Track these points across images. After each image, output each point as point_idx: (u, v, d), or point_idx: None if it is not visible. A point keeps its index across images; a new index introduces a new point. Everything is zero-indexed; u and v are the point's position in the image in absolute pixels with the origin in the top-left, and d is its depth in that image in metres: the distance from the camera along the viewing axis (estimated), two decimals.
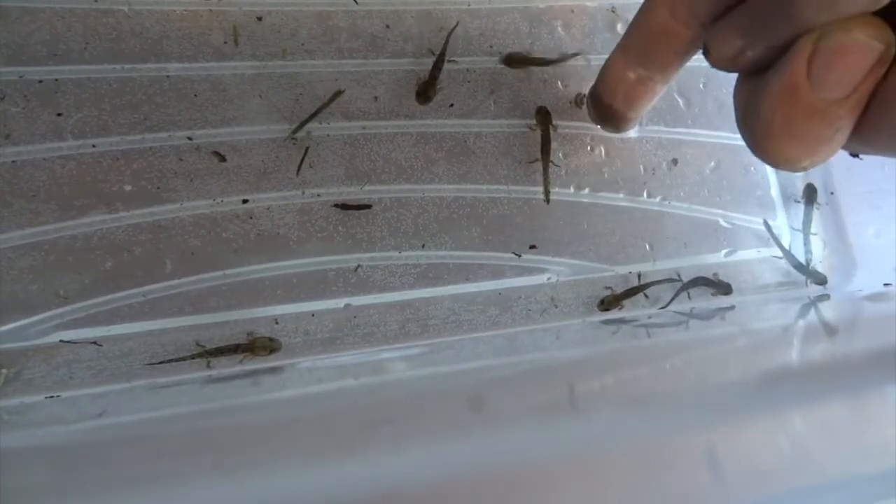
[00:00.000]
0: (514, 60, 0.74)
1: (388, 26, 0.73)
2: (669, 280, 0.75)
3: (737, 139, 0.82)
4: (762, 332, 0.67)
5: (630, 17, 0.80)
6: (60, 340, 0.59)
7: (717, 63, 0.49)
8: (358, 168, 0.70)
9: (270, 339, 0.63)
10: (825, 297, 0.76)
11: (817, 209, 0.82)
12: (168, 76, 0.66)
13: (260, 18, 0.69)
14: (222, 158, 0.66)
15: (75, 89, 0.63)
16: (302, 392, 0.60)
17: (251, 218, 0.66)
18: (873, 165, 0.82)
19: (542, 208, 0.73)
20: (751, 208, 0.81)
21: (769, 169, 0.84)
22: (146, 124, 0.65)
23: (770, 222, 0.81)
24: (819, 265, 0.82)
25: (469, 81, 0.74)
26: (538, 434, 0.34)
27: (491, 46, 0.75)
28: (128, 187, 0.63)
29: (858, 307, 0.75)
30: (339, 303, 0.67)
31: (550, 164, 0.73)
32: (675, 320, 0.71)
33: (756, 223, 0.80)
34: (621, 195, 0.77)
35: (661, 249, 0.77)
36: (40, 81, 0.62)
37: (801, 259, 0.80)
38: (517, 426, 0.36)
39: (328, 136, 0.69)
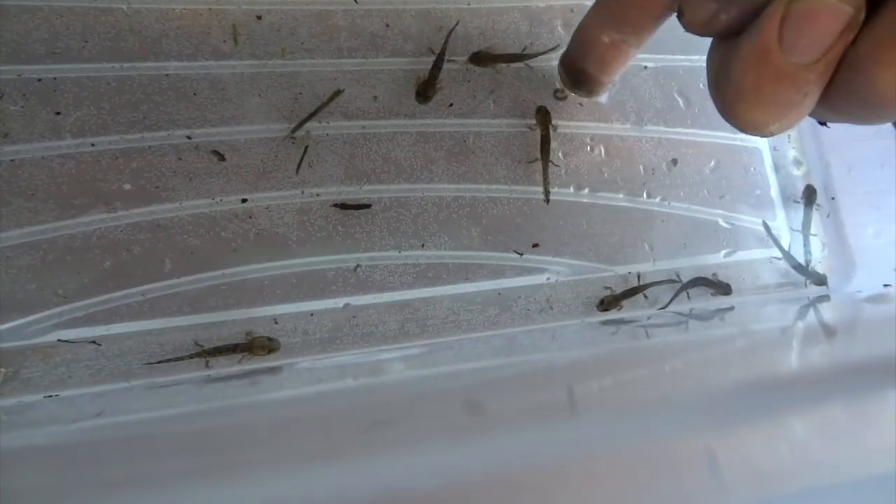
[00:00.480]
0: (482, 59, 0.73)
1: (387, 25, 0.73)
2: (669, 281, 0.75)
3: (737, 139, 0.83)
4: (761, 333, 0.67)
5: None
6: (59, 340, 0.59)
7: (691, 26, 0.49)
8: (357, 167, 0.70)
9: (269, 339, 0.63)
10: (825, 297, 0.76)
11: (817, 210, 0.82)
12: (167, 75, 0.66)
13: (259, 17, 0.69)
14: (221, 157, 0.66)
15: (74, 88, 0.63)
16: (300, 392, 0.59)
17: (250, 217, 0.66)
18: (873, 166, 0.82)
19: (542, 208, 0.73)
20: (750, 209, 0.81)
21: (769, 169, 0.84)
22: (145, 123, 0.64)
23: (769, 223, 0.81)
24: (818, 266, 0.82)
25: (469, 81, 0.74)
26: (537, 436, 0.34)
27: (491, 46, 0.75)
28: (127, 186, 0.63)
29: (858, 309, 0.75)
30: (339, 302, 0.67)
31: (550, 163, 0.73)
32: (674, 321, 0.71)
33: (756, 224, 0.80)
34: (621, 195, 0.77)
35: (661, 250, 0.77)
36: (39, 80, 0.62)
37: (801, 260, 0.80)
38: (516, 428, 0.36)
39: (327, 135, 0.69)
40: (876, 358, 0.41)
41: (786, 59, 0.41)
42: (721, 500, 0.32)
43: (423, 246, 0.70)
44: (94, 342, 0.60)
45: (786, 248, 0.80)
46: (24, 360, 0.59)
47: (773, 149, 0.84)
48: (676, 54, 0.82)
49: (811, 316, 0.69)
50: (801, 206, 0.82)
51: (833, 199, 0.83)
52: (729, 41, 0.47)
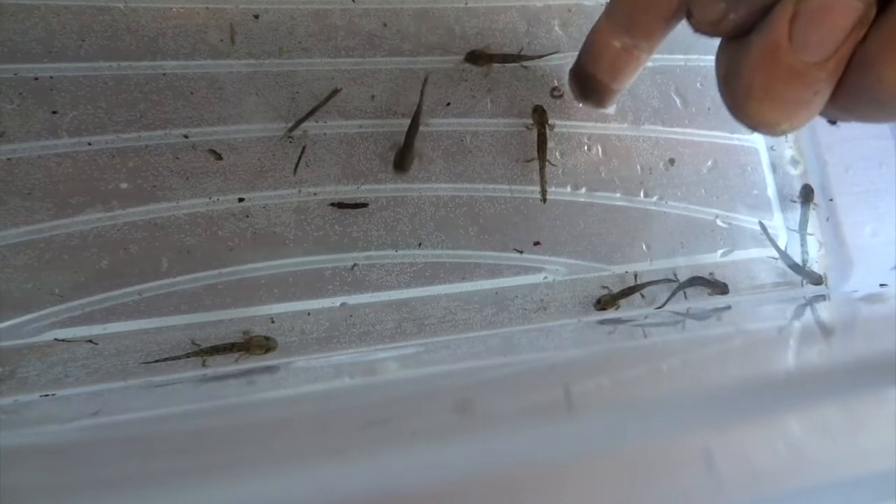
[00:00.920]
0: (478, 57, 0.73)
1: (385, 24, 0.73)
2: (666, 280, 0.75)
3: (734, 139, 0.83)
4: (758, 332, 0.67)
5: None
6: (55, 339, 0.59)
7: (700, 27, 0.49)
8: (354, 167, 0.70)
9: (266, 338, 0.63)
10: (821, 297, 0.76)
11: (814, 209, 0.82)
12: (164, 74, 0.65)
13: (257, 16, 0.69)
14: (218, 157, 0.66)
15: (71, 87, 0.63)
16: (297, 391, 0.59)
17: (247, 216, 0.66)
18: (870, 165, 0.82)
19: (539, 207, 0.73)
20: (747, 208, 0.81)
21: (766, 169, 0.84)
22: (142, 122, 0.64)
23: (766, 223, 0.81)
24: (815, 265, 0.82)
25: (466, 80, 0.74)
26: (533, 436, 0.34)
27: (488, 45, 0.75)
28: (124, 185, 0.63)
29: (855, 308, 0.75)
30: (336, 302, 0.67)
31: (547, 163, 0.73)
32: (671, 320, 0.71)
33: (752, 223, 0.80)
34: (618, 195, 0.77)
35: (658, 249, 0.77)
36: (35, 79, 0.62)
37: (798, 259, 0.80)
38: (513, 428, 0.36)
39: (325, 134, 0.69)
40: (872, 357, 0.41)
41: (796, 57, 0.41)
42: (718, 499, 0.32)
43: (420, 245, 0.70)
44: (90, 341, 0.60)
45: (783, 247, 0.80)
46: (21, 359, 0.59)
47: (771, 148, 0.84)
48: (674, 54, 0.82)
49: (808, 315, 0.69)
50: (798, 206, 0.82)
51: (831, 200, 0.83)
52: (738, 41, 0.47)
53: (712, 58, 0.82)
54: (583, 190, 0.76)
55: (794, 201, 0.83)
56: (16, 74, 0.62)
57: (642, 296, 0.75)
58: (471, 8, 0.76)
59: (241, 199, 0.66)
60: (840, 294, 0.78)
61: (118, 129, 0.64)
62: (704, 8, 0.47)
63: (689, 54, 0.83)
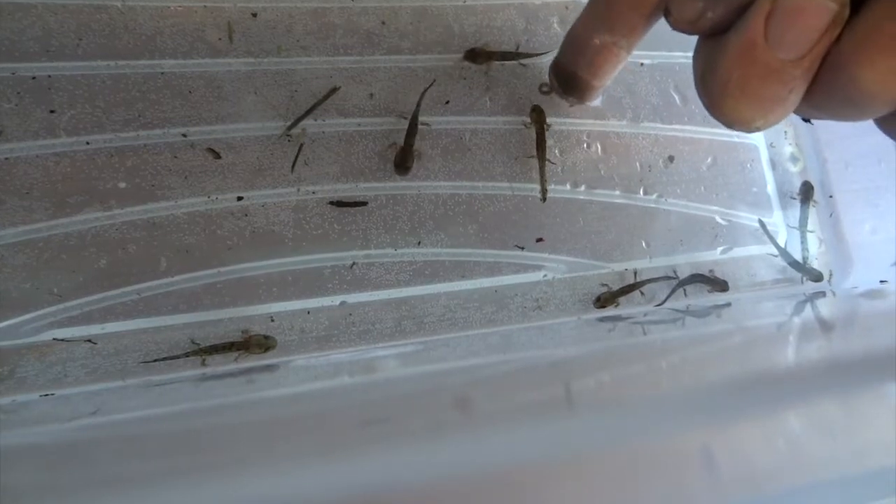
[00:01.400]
0: (477, 55, 0.73)
1: (383, 23, 0.73)
2: (666, 277, 0.75)
3: (734, 136, 0.82)
4: (758, 329, 0.67)
5: None
6: (54, 339, 0.59)
7: (678, 24, 0.49)
8: (353, 165, 0.69)
9: (265, 337, 0.63)
10: (821, 294, 0.76)
11: (813, 206, 0.82)
12: (162, 73, 0.65)
13: (255, 15, 0.69)
14: (217, 155, 0.66)
15: (68, 86, 0.63)
16: (297, 390, 0.59)
17: (246, 215, 0.66)
18: (870, 162, 0.82)
19: (539, 205, 0.73)
20: (747, 205, 0.81)
21: (766, 166, 0.84)
22: (140, 121, 0.64)
23: (766, 220, 0.81)
24: (815, 262, 0.82)
25: (465, 78, 0.74)
26: (533, 434, 0.34)
27: (486, 43, 0.74)
28: (122, 185, 0.63)
29: (854, 305, 0.75)
30: (335, 300, 0.67)
31: (547, 161, 0.73)
32: (671, 317, 0.71)
33: (752, 220, 0.80)
34: (617, 192, 0.77)
35: (658, 246, 0.77)
36: (33, 78, 0.62)
37: (798, 256, 0.80)
38: (513, 426, 0.36)
39: (323, 133, 0.69)
40: (872, 353, 0.41)
41: (772, 55, 0.42)
42: (717, 497, 0.32)
43: (419, 243, 0.70)
44: (89, 341, 0.60)
45: (783, 244, 0.80)
46: (20, 359, 0.59)
47: (770, 145, 0.84)
48: (673, 51, 0.81)
49: (808, 312, 0.69)
50: (798, 203, 0.82)
51: (831, 197, 0.82)
52: (715, 39, 0.48)
53: None
54: (582, 188, 0.76)
55: (794, 198, 0.83)
56: (13, 73, 0.62)
57: (642, 293, 0.75)
58: (469, 6, 0.75)
59: (239, 198, 0.66)
60: (840, 291, 0.78)
61: (116, 128, 0.63)
62: (682, 6, 0.48)
63: (688, 51, 0.82)
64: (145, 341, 0.62)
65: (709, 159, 0.81)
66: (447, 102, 0.73)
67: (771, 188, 0.83)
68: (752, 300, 0.76)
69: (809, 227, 0.82)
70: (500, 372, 0.59)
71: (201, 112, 0.66)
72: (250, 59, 0.68)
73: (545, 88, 0.76)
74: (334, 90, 0.69)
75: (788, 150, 0.85)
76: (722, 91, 0.45)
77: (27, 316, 0.59)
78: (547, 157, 0.73)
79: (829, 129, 0.84)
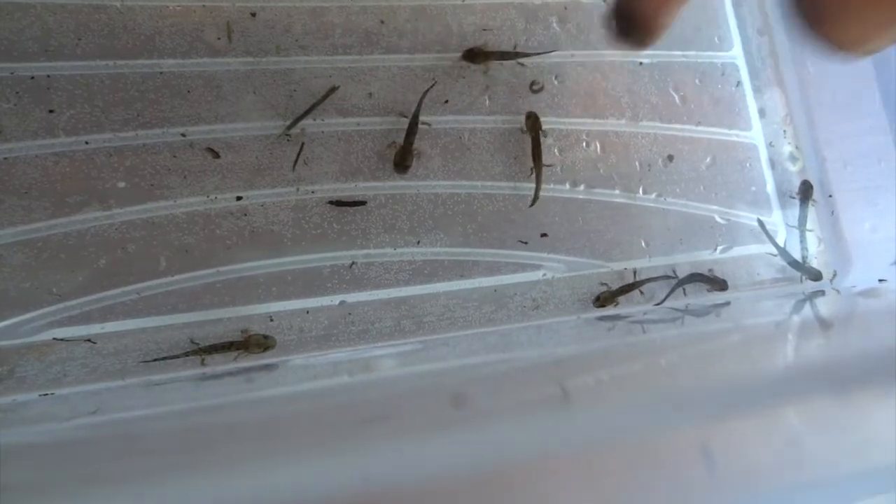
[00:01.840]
0: (476, 55, 0.73)
1: (382, 22, 0.73)
2: (665, 276, 0.75)
3: (732, 135, 0.82)
4: (757, 327, 0.67)
5: None
6: (54, 338, 0.59)
7: None
8: (352, 164, 0.69)
9: (265, 337, 0.63)
10: (820, 293, 0.76)
11: (813, 205, 0.82)
12: (161, 72, 0.65)
13: (254, 14, 0.69)
14: (216, 155, 0.66)
15: (67, 86, 0.63)
16: (296, 389, 0.59)
17: (245, 215, 0.66)
18: (869, 162, 0.82)
19: (538, 204, 0.73)
20: (746, 205, 0.81)
21: (765, 165, 0.84)
22: (139, 121, 0.64)
23: (766, 219, 0.81)
24: (815, 261, 0.82)
25: (463, 77, 0.74)
26: (531, 430, 0.34)
27: (485, 43, 0.74)
28: (121, 184, 0.63)
29: (853, 303, 0.75)
30: (334, 300, 0.67)
31: (544, 165, 0.72)
32: (670, 316, 0.71)
33: (751, 220, 0.80)
34: (617, 191, 0.77)
35: (657, 246, 0.77)
36: (32, 77, 0.62)
37: (797, 255, 0.80)
38: (511, 423, 0.36)
39: (322, 132, 0.69)
40: (871, 351, 0.41)
41: None
42: (716, 493, 0.32)
43: (418, 243, 0.70)
44: (89, 340, 0.60)
45: (782, 243, 0.80)
46: (19, 358, 0.59)
47: (769, 144, 0.84)
48: (672, 50, 0.81)
49: (807, 311, 0.69)
50: (797, 202, 0.82)
51: (830, 196, 0.82)
52: None
53: (710, 54, 0.83)
54: (581, 187, 0.76)
55: (793, 198, 0.83)
56: (12, 73, 0.62)
57: (641, 292, 0.75)
58: (468, 5, 0.75)
59: (239, 198, 0.66)
60: (839, 289, 0.78)
61: (115, 127, 0.63)
62: None
63: (688, 50, 0.82)
64: (145, 341, 0.62)
65: (708, 158, 0.81)
66: (446, 102, 0.73)
67: (770, 187, 0.83)
68: (752, 299, 0.76)
69: (808, 226, 0.82)
70: (498, 371, 0.59)
71: (200, 111, 0.66)
72: (249, 58, 0.68)
73: (535, 87, 0.76)
74: (333, 90, 0.69)
75: (787, 149, 0.85)
76: (827, 8, 0.40)
77: (27, 315, 0.59)
78: (544, 160, 0.73)
79: (828, 129, 0.84)
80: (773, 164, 0.84)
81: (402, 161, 0.69)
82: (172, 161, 0.65)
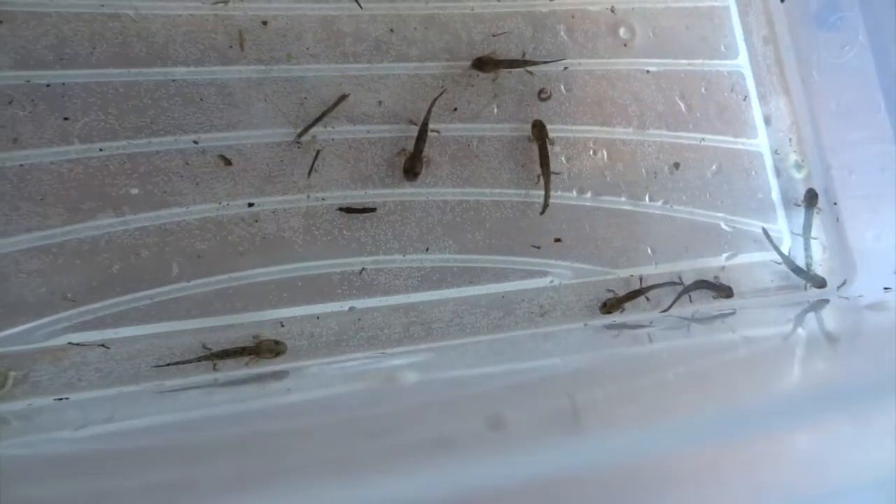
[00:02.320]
0: (485, 64, 0.73)
1: (392, 30, 0.73)
2: (671, 283, 0.76)
3: (738, 143, 0.83)
4: (763, 340, 0.68)
5: (633, 20, 0.81)
6: (69, 343, 0.60)
7: None
8: (362, 172, 0.70)
9: (276, 342, 0.63)
10: (825, 301, 0.77)
11: (818, 213, 0.83)
12: (174, 80, 0.66)
13: (265, 23, 0.70)
14: (228, 162, 0.66)
15: (82, 93, 0.64)
16: (307, 397, 0.60)
17: (257, 221, 0.66)
18: (873, 170, 0.82)
19: (546, 212, 0.74)
20: (752, 212, 0.82)
21: (770, 173, 0.84)
22: (152, 128, 0.65)
23: (771, 226, 0.81)
24: (819, 269, 0.82)
25: (472, 86, 0.75)
26: (544, 448, 0.35)
27: (494, 51, 0.75)
28: (134, 191, 0.64)
29: (858, 315, 0.75)
30: (344, 306, 0.68)
31: (552, 174, 0.73)
32: (676, 325, 0.71)
33: (757, 227, 0.81)
34: (623, 199, 0.78)
35: (663, 253, 0.78)
36: (48, 85, 0.63)
37: (802, 263, 0.81)
38: (525, 439, 0.37)
39: (333, 139, 0.70)
40: (877, 366, 0.41)
41: None
42: None
43: (427, 250, 0.70)
44: (102, 345, 0.61)
45: (787, 251, 0.81)
46: (34, 363, 0.60)
47: (775, 152, 0.85)
48: (679, 59, 0.82)
49: (812, 322, 0.69)
50: (803, 210, 0.82)
51: (835, 204, 0.83)
52: None
53: (716, 63, 0.84)
54: (588, 194, 0.77)
55: (799, 205, 0.83)
56: (28, 81, 0.62)
57: (647, 299, 0.75)
58: (477, 14, 0.76)
59: (250, 204, 0.66)
60: (843, 299, 0.79)
61: (129, 135, 0.64)
62: None
63: (694, 59, 0.83)
64: (158, 346, 0.62)
65: (714, 166, 0.81)
66: (455, 109, 0.74)
67: (775, 195, 0.84)
68: (757, 307, 0.77)
69: (813, 233, 0.82)
70: (510, 383, 0.59)
71: (212, 119, 0.67)
72: (261, 66, 0.69)
73: (544, 95, 0.76)
74: (343, 97, 0.70)
75: (793, 157, 0.86)
76: None
77: (42, 321, 0.60)
78: (552, 167, 0.73)
79: (833, 137, 0.85)
80: (778, 171, 0.84)
81: (412, 168, 0.70)
82: (185, 168, 0.65)
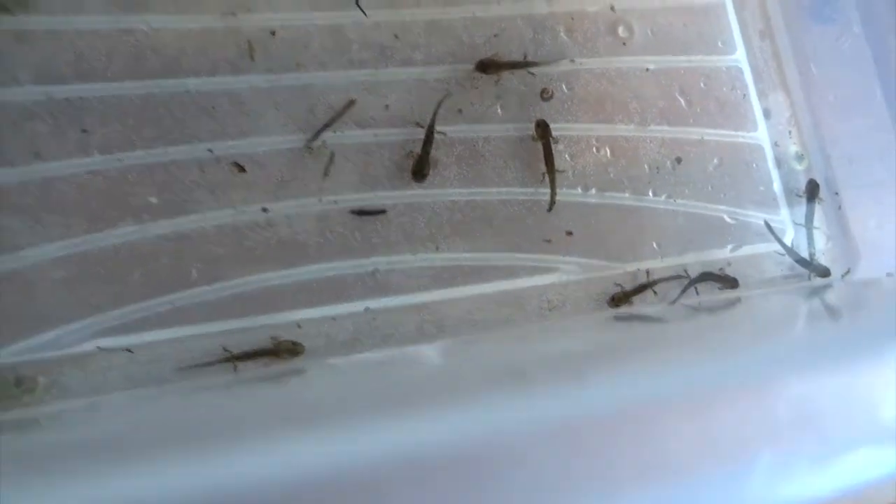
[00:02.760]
0: (487, 66, 0.75)
1: (396, 36, 0.75)
2: (677, 276, 0.77)
3: (739, 136, 0.85)
4: (767, 313, 0.69)
5: (631, 19, 0.82)
6: (98, 347, 0.62)
7: None
8: (372, 174, 0.72)
9: (294, 343, 0.65)
10: (828, 287, 0.78)
11: (819, 203, 0.84)
12: (188, 91, 0.68)
13: (273, 33, 0.71)
14: (242, 169, 0.68)
15: (100, 106, 0.66)
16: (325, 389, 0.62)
17: (271, 226, 0.68)
18: (874, 158, 0.84)
19: (552, 208, 0.75)
20: (754, 204, 0.83)
21: (771, 165, 0.86)
22: (168, 138, 0.67)
23: (773, 217, 0.83)
24: (822, 258, 0.84)
25: (476, 88, 0.76)
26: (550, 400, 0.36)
27: (496, 54, 0.77)
28: (153, 199, 0.66)
29: (859, 291, 0.77)
30: (359, 306, 0.69)
31: (557, 171, 0.75)
32: (683, 314, 0.73)
33: (760, 219, 0.82)
34: (627, 194, 0.79)
35: (668, 246, 0.79)
36: (66, 100, 0.65)
37: (805, 253, 0.82)
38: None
39: (342, 144, 0.72)
40: (876, 330, 0.43)
41: None
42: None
43: (437, 249, 0.72)
44: (128, 350, 0.63)
45: (790, 241, 0.82)
46: (62, 368, 0.61)
47: (775, 144, 0.86)
48: (677, 55, 0.84)
49: (816, 302, 0.71)
50: (804, 200, 0.84)
51: (836, 193, 0.84)
52: None
53: (714, 58, 0.85)
54: (593, 191, 0.78)
55: (800, 196, 0.85)
56: (48, 96, 0.64)
57: (655, 292, 0.77)
58: (479, 17, 0.78)
59: (264, 210, 0.68)
60: (846, 283, 0.80)
61: (146, 145, 0.66)
62: None
63: (692, 55, 0.85)
64: (179, 349, 0.64)
65: (715, 160, 0.83)
66: (460, 111, 0.76)
67: (777, 186, 0.85)
68: (762, 296, 0.78)
69: (815, 223, 0.83)
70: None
71: (226, 127, 0.69)
72: (270, 75, 0.71)
73: (546, 95, 0.78)
74: (351, 103, 0.72)
75: (793, 148, 0.87)
76: None
77: (68, 328, 0.62)
78: (557, 166, 0.75)
79: (832, 128, 0.86)
80: (779, 163, 0.86)
81: (420, 170, 0.71)
82: (201, 176, 0.67)
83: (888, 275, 0.79)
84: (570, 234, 0.76)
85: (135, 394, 0.61)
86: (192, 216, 0.66)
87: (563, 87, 0.79)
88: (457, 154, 0.75)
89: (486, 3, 0.78)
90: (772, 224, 0.82)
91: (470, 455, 0.33)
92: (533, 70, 0.78)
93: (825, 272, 0.82)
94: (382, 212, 0.71)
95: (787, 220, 0.85)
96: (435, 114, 0.72)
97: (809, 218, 0.83)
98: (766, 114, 0.86)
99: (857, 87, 0.84)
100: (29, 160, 0.63)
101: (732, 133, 0.84)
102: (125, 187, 0.65)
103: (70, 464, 0.41)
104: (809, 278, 0.82)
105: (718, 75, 0.85)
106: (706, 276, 0.78)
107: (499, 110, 0.77)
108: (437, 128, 0.73)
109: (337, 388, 0.53)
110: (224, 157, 0.68)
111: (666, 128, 0.82)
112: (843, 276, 0.81)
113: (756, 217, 0.83)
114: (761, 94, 0.87)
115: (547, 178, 0.75)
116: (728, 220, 0.82)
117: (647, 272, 0.78)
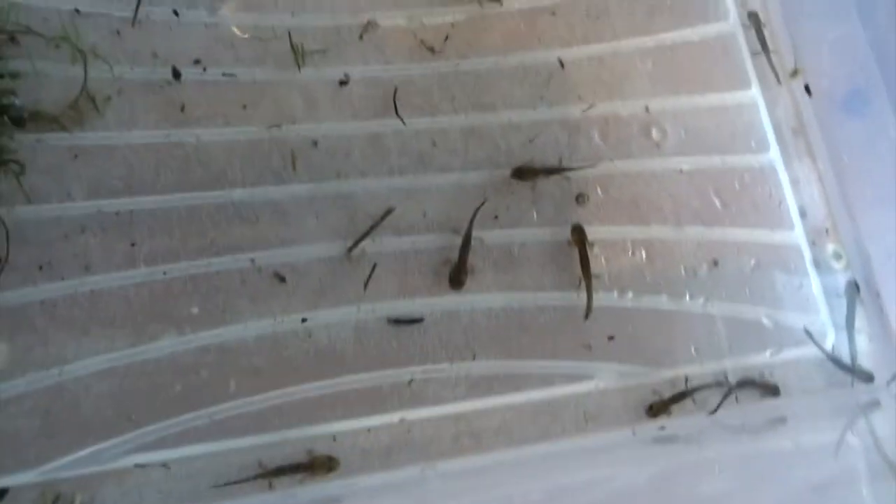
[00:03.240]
0: (524, 173, 0.76)
1: (434, 143, 0.77)
2: (716, 383, 0.76)
3: (776, 237, 0.84)
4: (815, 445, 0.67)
5: (664, 121, 0.83)
6: (135, 465, 0.62)
7: None
8: (409, 282, 0.73)
9: (329, 458, 0.65)
10: (876, 403, 0.76)
11: (860, 304, 0.83)
12: (232, 202, 0.70)
13: (315, 143, 0.74)
14: (282, 279, 0.69)
15: (148, 219, 0.68)
16: None
17: (310, 336, 0.69)
18: None
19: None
20: (793, 306, 0.82)
21: (809, 265, 0.84)
22: (212, 249, 0.68)
23: (813, 318, 0.81)
24: (865, 361, 0.81)
25: (512, 193, 0.78)
26: None
27: (532, 160, 0.78)
28: (195, 310, 0.67)
29: None
30: (394, 417, 0.69)
31: (593, 277, 0.75)
32: (725, 436, 0.71)
33: (799, 322, 0.81)
34: (664, 297, 0.79)
35: (706, 351, 0.78)
36: (117, 213, 0.67)
37: (846, 355, 0.80)
38: None
39: (380, 252, 0.73)
40: None
41: None
42: None
43: (474, 357, 0.72)
44: (164, 465, 0.63)
45: (830, 345, 0.81)
46: (100, 484, 0.62)
47: (812, 243, 0.85)
48: (711, 156, 0.84)
49: (863, 430, 0.69)
50: (845, 301, 0.82)
51: (878, 294, 0.83)
52: None
53: (748, 157, 0.86)
54: (629, 294, 0.78)
55: (840, 296, 0.83)
56: (99, 210, 0.67)
57: (693, 401, 0.75)
58: (514, 123, 0.80)
59: (304, 320, 0.69)
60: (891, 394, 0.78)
61: (190, 256, 0.68)
62: None
63: (725, 155, 0.85)
64: (216, 464, 0.64)
65: (752, 261, 0.82)
66: (496, 217, 0.76)
67: (816, 287, 0.84)
68: (805, 409, 0.76)
69: (857, 325, 0.82)
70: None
71: (268, 237, 0.70)
72: (312, 184, 0.73)
73: (581, 200, 0.79)
74: (389, 211, 0.73)
75: (831, 247, 0.86)
76: None
77: (108, 443, 0.62)
78: (592, 269, 0.75)
79: (869, 223, 0.85)
80: (817, 263, 0.85)
81: (457, 277, 0.72)
82: (242, 286, 0.68)
83: None
84: (611, 338, 0.75)
85: None
86: (232, 326, 0.67)
87: (598, 190, 0.80)
88: (493, 260, 0.75)
89: (521, 108, 0.80)
90: (812, 327, 0.81)
91: None
92: (568, 174, 0.79)
93: (869, 377, 0.80)
94: (420, 320, 0.71)
95: (827, 322, 0.83)
96: (472, 221, 0.73)
97: (850, 320, 0.82)
98: (802, 212, 0.86)
99: (892, 176, 0.83)
100: (79, 274, 0.65)
101: (769, 233, 0.84)
102: (169, 299, 0.67)
103: None
104: (853, 384, 0.80)
105: (753, 174, 0.85)
106: (746, 383, 0.77)
107: (534, 215, 0.78)
108: (474, 234, 0.73)
109: None
110: (266, 266, 0.69)
111: (701, 229, 0.82)
112: (888, 384, 0.79)
113: (795, 319, 0.82)
114: (796, 192, 0.86)
115: (583, 284, 0.75)
116: (766, 322, 0.81)
117: (686, 378, 0.76)
